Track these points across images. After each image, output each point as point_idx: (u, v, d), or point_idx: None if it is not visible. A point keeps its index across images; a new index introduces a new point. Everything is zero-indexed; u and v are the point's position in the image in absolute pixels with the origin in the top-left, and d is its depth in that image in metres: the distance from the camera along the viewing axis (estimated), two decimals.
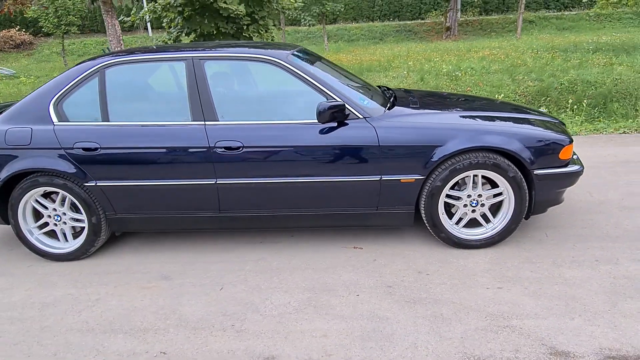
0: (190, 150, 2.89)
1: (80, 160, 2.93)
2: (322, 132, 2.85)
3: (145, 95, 3.19)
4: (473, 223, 3.04)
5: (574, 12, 22.97)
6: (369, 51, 15.21)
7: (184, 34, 8.25)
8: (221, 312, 2.52)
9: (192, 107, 2.93)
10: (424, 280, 2.71)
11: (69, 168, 2.95)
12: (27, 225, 3.13)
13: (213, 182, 2.91)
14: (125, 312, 2.57)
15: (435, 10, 26.67)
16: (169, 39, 8.36)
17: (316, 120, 2.82)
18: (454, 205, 3.00)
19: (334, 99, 2.87)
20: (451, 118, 3.03)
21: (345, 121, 2.86)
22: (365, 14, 26.75)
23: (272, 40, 8.71)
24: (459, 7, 21.90)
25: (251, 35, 8.33)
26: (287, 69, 2.93)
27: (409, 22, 23.90)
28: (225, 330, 2.38)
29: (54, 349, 2.30)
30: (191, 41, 8.43)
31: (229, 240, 3.32)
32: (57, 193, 3.08)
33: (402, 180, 2.87)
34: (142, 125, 2.95)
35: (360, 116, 2.87)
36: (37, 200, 3.09)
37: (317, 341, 2.25)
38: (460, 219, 3.02)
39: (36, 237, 3.16)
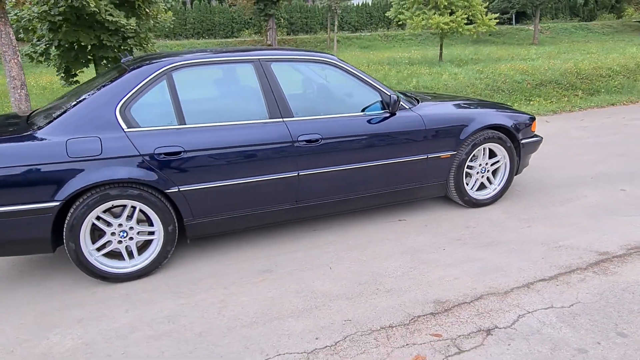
0: (274, 145, 3.05)
1: (162, 165, 2.82)
2: (381, 121, 3.35)
3: (217, 96, 3.18)
4: (480, 187, 3.90)
5: (369, 34, 26.86)
6: None
7: (53, 47, 7.39)
8: (356, 282, 2.81)
9: (268, 106, 3.10)
10: (476, 231, 3.44)
11: (150, 176, 2.80)
12: (87, 247, 2.81)
13: (295, 174, 3.13)
14: (267, 302, 2.64)
15: (247, 29, 27.96)
16: (34, 52, 7.37)
17: (373, 113, 3.32)
18: (469, 174, 3.80)
19: (385, 94, 3.39)
20: (465, 107, 3.84)
21: (396, 112, 3.41)
22: (177, 32, 26.37)
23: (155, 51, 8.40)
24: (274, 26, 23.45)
25: (132, 47, 7.93)
26: (344, 69, 3.35)
27: (230, 40, 24.51)
28: (376, 292, 2.70)
29: (241, 344, 2.30)
30: (59, 53, 7.59)
31: (283, 233, 3.50)
32: (121, 207, 2.86)
33: (442, 157, 3.56)
34: (223, 125, 2.98)
35: (407, 107, 3.46)
36: (98, 217, 2.81)
37: (456, 283, 2.76)
38: (473, 185, 3.85)
39: (96, 259, 2.85)
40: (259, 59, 3.16)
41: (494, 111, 3.82)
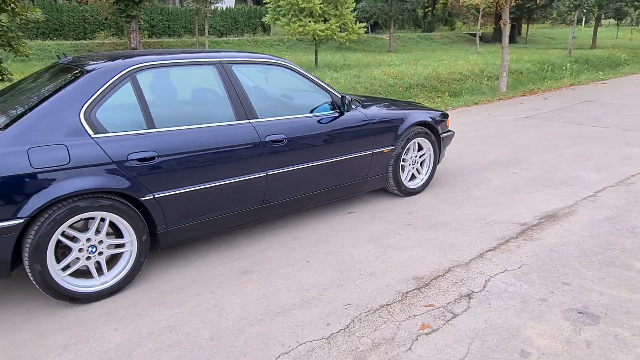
0: (245, 147, 3.09)
1: (136, 172, 2.68)
2: (334, 120, 3.57)
3: (184, 99, 3.06)
4: (411, 178, 4.35)
5: (237, 38, 26.82)
6: None
7: None
8: (338, 271, 2.99)
9: (234, 107, 3.11)
10: (419, 216, 3.85)
11: (123, 184, 2.64)
12: (53, 267, 2.55)
13: (264, 174, 3.20)
14: (263, 300, 2.69)
15: (103, 30, 25.88)
16: None
17: (327, 113, 3.54)
18: (403, 166, 4.22)
19: (335, 95, 3.63)
20: (397, 106, 4.24)
21: (344, 112, 3.67)
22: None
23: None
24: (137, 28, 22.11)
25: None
26: (297, 72, 3.50)
27: (85, 42, 22.43)
28: (361, 277, 2.91)
29: (258, 340, 2.33)
30: None
31: (245, 234, 3.52)
32: (86, 220, 2.65)
33: (384, 151, 3.91)
34: (194, 128, 2.92)
35: (353, 107, 3.74)
36: (62, 233, 2.57)
37: (423, 261, 3.10)
38: (406, 176, 4.28)
39: (63, 279, 2.60)
40: (220, 61, 3.15)
41: (420, 110, 4.29)
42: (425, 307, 2.59)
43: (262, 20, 15.94)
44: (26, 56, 7.55)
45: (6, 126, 2.44)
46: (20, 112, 2.56)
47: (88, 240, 2.64)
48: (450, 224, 3.69)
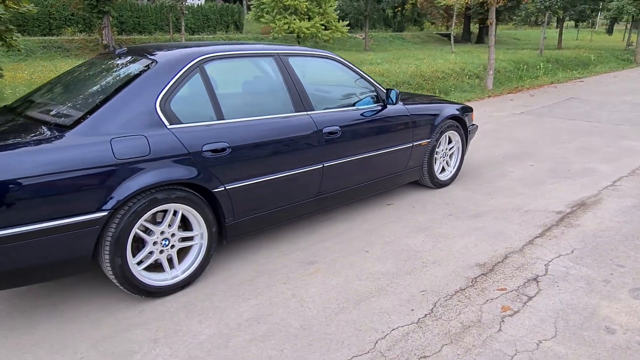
0: (306, 139, 3.10)
1: (209, 164, 2.65)
2: (378, 112, 3.61)
3: (247, 90, 3.04)
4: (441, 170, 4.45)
5: (211, 35, 26.43)
6: (37, 69, 13.19)
7: None
8: (401, 260, 3.05)
9: (293, 99, 3.12)
10: (458, 206, 3.95)
11: (199, 175, 2.61)
12: (131, 261, 2.49)
13: (320, 166, 3.21)
14: (338, 289, 2.71)
15: (70, 26, 25.01)
16: None
17: (372, 106, 3.59)
18: (436, 159, 4.32)
19: (379, 88, 3.69)
20: (432, 101, 4.32)
21: (387, 105, 3.72)
22: None
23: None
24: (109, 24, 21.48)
25: None
26: (345, 64, 3.53)
27: (54, 38, 21.58)
28: (426, 265, 2.98)
29: (350, 327, 2.36)
30: None
31: (297, 227, 3.52)
32: (161, 212, 2.60)
33: (422, 144, 3.99)
34: (260, 120, 2.91)
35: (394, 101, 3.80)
36: (140, 226, 2.52)
37: (478, 248, 3.19)
38: (438, 168, 4.38)
39: (139, 273, 2.55)
40: (277, 53, 3.15)
41: (450, 104, 4.39)
42: (498, 291, 2.68)
43: (246, 17, 15.75)
44: (18, 50, 7.24)
45: (83, 117, 2.37)
46: (91, 103, 2.49)
47: (162, 233, 2.60)
48: (490, 213, 3.81)
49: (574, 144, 6.00)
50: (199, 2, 31.92)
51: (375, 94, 3.67)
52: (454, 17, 22.92)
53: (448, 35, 35.42)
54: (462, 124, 4.42)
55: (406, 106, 3.85)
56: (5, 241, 2.07)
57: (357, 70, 3.63)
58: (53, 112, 2.54)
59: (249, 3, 15.44)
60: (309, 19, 14.21)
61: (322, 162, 3.21)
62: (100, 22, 20.75)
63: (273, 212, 3.06)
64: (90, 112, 2.39)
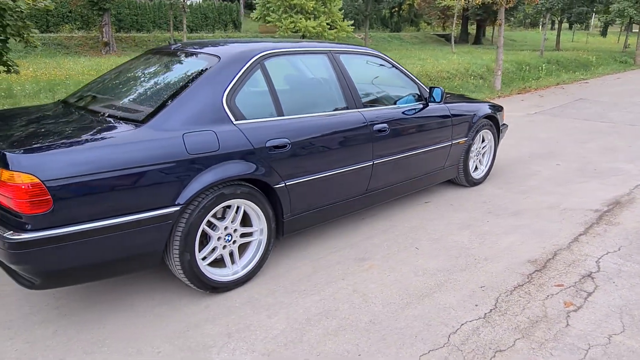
0: (359, 136, 3.11)
1: (272, 160, 2.66)
2: (420, 111, 3.64)
3: (303, 87, 3.05)
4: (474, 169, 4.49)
5: (211, 34, 26.33)
6: (40, 66, 13.01)
7: None
8: (452, 256, 3.07)
9: (345, 96, 3.13)
10: (495, 204, 3.99)
11: (262, 171, 2.62)
12: (198, 256, 2.50)
13: (371, 163, 3.23)
14: (398, 285, 2.73)
15: (68, 23, 24.82)
16: None
17: (415, 104, 3.62)
18: (470, 157, 4.35)
19: (422, 86, 3.71)
20: (469, 100, 4.35)
21: (429, 104, 3.75)
22: None
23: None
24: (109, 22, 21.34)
25: (8, 37, 6.64)
26: (390, 63, 3.56)
27: (54, 35, 21.39)
28: (478, 262, 3.01)
29: (420, 322, 2.38)
30: None
31: (340, 224, 3.54)
32: (224, 208, 2.61)
33: (460, 142, 4.02)
34: (317, 116, 2.93)
35: (437, 100, 3.82)
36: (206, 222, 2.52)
37: (526, 245, 3.23)
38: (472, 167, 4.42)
39: (205, 268, 2.55)
40: (330, 50, 3.16)
41: (485, 104, 4.43)
42: (556, 287, 2.71)
43: (251, 15, 15.74)
44: (35, 47, 7.18)
45: (154, 112, 2.37)
46: (159, 98, 2.49)
47: (225, 228, 2.60)
48: (529, 211, 3.85)
49: (594, 144, 6.07)
50: (198, 0, 31.79)
51: (417, 92, 3.69)
52: (454, 18, 23.02)
53: (445, 36, 35.61)
54: (495, 122, 4.46)
55: (446, 105, 3.88)
56: (85, 236, 2.07)
57: (401, 68, 3.65)
58: (121, 107, 2.54)
59: (254, 2, 15.39)
60: (315, 18, 14.21)
61: (372, 160, 3.22)
62: (100, 20, 20.58)
63: (326, 209, 3.08)
64: (160, 107, 2.39)
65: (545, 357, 2.14)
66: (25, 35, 6.88)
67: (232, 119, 2.54)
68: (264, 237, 2.76)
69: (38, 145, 2.04)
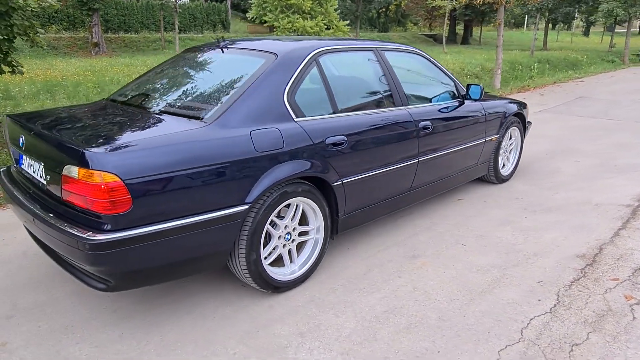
0: (407, 133, 3.11)
1: (330, 157, 2.63)
2: (457, 108, 3.65)
3: (354, 84, 3.03)
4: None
5: (201, 35, 26.11)
6: (32, 67, 12.75)
7: None
8: (501, 253, 3.08)
9: (392, 94, 3.13)
10: (528, 201, 4.02)
11: (321, 168, 2.59)
12: (262, 255, 2.46)
13: (416, 161, 3.23)
14: (457, 282, 2.73)
15: (54, 24, 24.40)
16: None
17: (452, 101, 3.62)
18: (499, 154, 4.37)
19: (459, 84, 3.72)
20: (498, 98, 4.36)
21: (464, 102, 3.76)
22: None
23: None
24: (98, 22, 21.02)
25: (15, 36, 6.49)
26: (430, 60, 3.56)
27: (41, 36, 20.93)
28: (528, 258, 3.02)
29: (490, 319, 2.38)
30: None
31: (381, 223, 3.53)
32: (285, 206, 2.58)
33: (492, 139, 4.05)
34: (369, 113, 2.91)
35: (472, 98, 3.82)
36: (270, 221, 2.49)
37: (569, 240, 3.25)
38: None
39: (266, 268, 2.51)
40: (376, 47, 3.15)
41: (513, 101, 4.45)
42: (612, 281, 2.74)
43: (247, 14, 15.67)
44: (41, 47, 7.04)
45: (219, 110, 2.33)
46: (220, 95, 2.45)
47: (285, 227, 2.57)
48: (562, 207, 3.88)
49: (607, 140, 6.17)
50: (186, 1, 31.51)
51: (454, 88, 3.70)
52: (445, 18, 23.19)
53: (433, 37, 35.90)
54: (522, 120, 4.49)
55: (480, 102, 3.89)
56: (161, 236, 2.02)
57: (438, 64, 3.65)
58: (183, 106, 2.49)
59: (250, 1, 15.31)
60: (312, 18, 14.18)
61: (417, 157, 3.22)
62: (89, 20, 20.26)
63: (376, 207, 3.06)
64: (226, 105, 2.35)
65: (622, 349, 2.15)
66: (31, 35, 6.74)
67: (293, 116, 2.51)
68: (321, 236, 2.73)
69: (116, 143, 1.99)
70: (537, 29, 21.75)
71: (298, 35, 14.50)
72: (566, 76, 13.78)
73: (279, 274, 2.58)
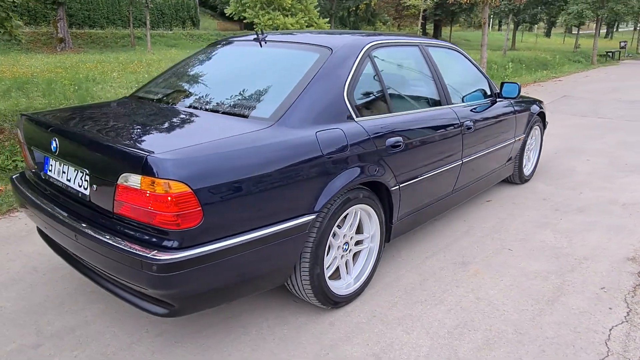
0: (455, 133, 2.95)
1: (389, 160, 2.44)
2: (491, 108, 3.52)
3: (403, 81, 2.83)
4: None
5: (171, 32, 25.39)
6: None
7: None
8: (551, 257, 2.97)
9: (439, 92, 2.96)
10: (556, 201, 3.94)
11: (382, 172, 2.39)
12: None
13: (460, 162, 3.07)
14: (517, 289, 2.59)
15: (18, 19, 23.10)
16: None
17: (487, 100, 3.50)
18: (524, 154, 4.26)
19: (492, 82, 3.60)
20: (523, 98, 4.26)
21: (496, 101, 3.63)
22: None
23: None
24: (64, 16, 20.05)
25: None
26: (467, 58, 3.41)
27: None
28: (579, 263, 2.92)
29: (567, 329, 2.24)
30: None
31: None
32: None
33: (520, 139, 3.95)
34: (419, 113, 2.73)
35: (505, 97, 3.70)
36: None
37: (613, 243, 3.17)
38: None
39: (328, 281, 2.29)
40: (419, 43, 2.97)
41: (535, 100, 4.37)
42: None
43: (225, 11, 15.25)
44: (19, 41, 6.54)
45: (280, 108, 2.09)
46: (278, 92, 2.21)
47: (344, 236, 2.36)
48: (592, 207, 3.82)
49: (607, 139, 6.22)
50: None
51: (487, 86, 3.57)
52: (420, 18, 23.36)
53: None
54: (543, 119, 4.43)
55: (510, 101, 3.78)
56: (231, 252, 1.77)
57: (474, 61, 3.52)
58: (234, 103, 2.23)
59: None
60: (292, 15, 13.93)
61: (462, 158, 3.07)
62: (54, 14, 19.29)
63: (424, 211, 2.89)
64: (286, 103, 2.11)
65: None
66: (8, 28, 6.25)
67: (354, 115, 2.30)
68: (375, 244, 2.53)
69: (181, 147, 1.72)
70: (507, 30, 22.20)
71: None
72: (545, 75, 14.07)
73: (337, 287, 2.36)
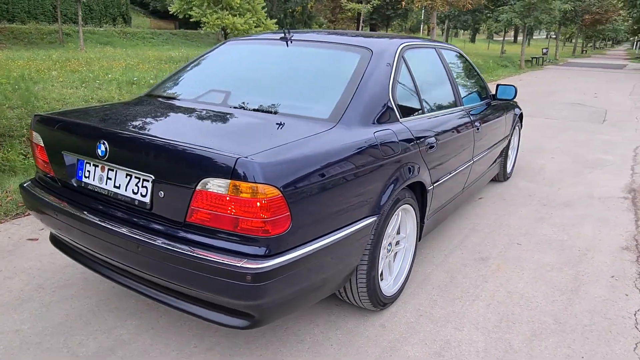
0: (470, 134, 3.04)
1: (426, 159, 2.47)
2: (490, 107, 3.67)
3: (428, 81, 2.84)
4: None
5: (103, 29, 24.04)
6: None
7: None
8: (559, 249, 3.14)
9: (454, 93, 3.04)
10: (540, 197, 4.18)
11: (424, 173, 2.42)
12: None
13: (471, 161, 3.18)
14: (545, 283, 2.71)
15: None
16: None
17: (486, 101, 3.65)
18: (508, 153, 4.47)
19: (486, 83, 3.75)
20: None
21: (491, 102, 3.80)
22: None
23: None
24: None
25: None
26: (466, 58, 3.53)
27: None
28: (586, 255, 3.11)
29: (598, 320, 2.39)
30: None
31: None
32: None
33: (507, 137, 4.14)
34: (446, 114, 2.80)
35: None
36: None
37: (611, 234, 3.43)
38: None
39: (380, 284, 2.28)
40: (434, 45, 3.04)
41: (515, 103, 4.60)
42: None
43: (169, 9, 14.69)
44: None
45: (337, 109, 2.05)
46: (329, 93, 2.17)
47: (387, 237, 2.35)
48: (575, 202, 4.09)
49: (562, 138, 6.69)
50: None
51: (483, 87, 3.72)
52: (360, 22, 23.83)
53: None
54: (521, 119, 4.68)
55: (501, 102, 3.96)
56: (313, 258, 1.71)
57: (472, 63, 3.64)
58: (289, 105, 2.14)
59: None
60: (240, 15, 13.70)
61: (472, 157, 3.17)
62: None
63: (445, 209, 2.95)
64: (343, 103, 2.07)
65: None
66: None
67: (399, 115, 2.31)
68: (411, 244, 2.55)
69: (265, 150, 1.62)
70: (441, 35, 23.21)
71: (225, 33, 13.94)
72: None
73: (384, 288, 2.35)
